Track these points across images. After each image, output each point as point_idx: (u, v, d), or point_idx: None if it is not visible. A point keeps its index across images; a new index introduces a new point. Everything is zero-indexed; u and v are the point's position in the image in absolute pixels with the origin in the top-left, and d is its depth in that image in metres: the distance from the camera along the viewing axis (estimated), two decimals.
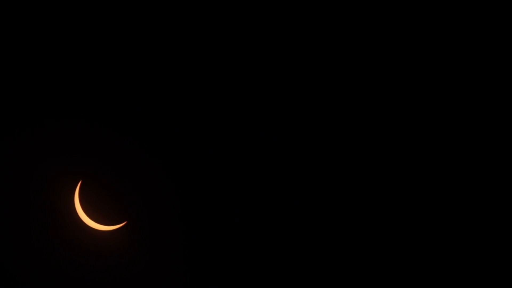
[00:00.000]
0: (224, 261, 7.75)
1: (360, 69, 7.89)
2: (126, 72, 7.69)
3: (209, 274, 7.75)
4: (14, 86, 7.59)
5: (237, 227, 7.76)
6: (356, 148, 7.87)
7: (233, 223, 7.76)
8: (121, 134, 7.67)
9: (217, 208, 7.77)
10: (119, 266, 7.63)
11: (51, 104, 7.61)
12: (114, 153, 7.68)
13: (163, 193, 7.72)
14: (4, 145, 7.52)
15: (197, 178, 7.75)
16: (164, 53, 7.73)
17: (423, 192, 7.89)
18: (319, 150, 7.86)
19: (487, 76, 7.91)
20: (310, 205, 7.84)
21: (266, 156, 7.83)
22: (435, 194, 7.88)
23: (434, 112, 7.91)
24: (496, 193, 7.84)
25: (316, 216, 7.83)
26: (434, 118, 7.91)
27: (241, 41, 7.79)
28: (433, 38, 7.91)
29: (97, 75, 7.66)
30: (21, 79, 7.60)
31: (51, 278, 7.55)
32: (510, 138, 7.87)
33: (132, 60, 7.69)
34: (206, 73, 7.78)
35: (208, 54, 7.77)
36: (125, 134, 7.67)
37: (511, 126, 7.88)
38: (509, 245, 7.79)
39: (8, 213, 7.54)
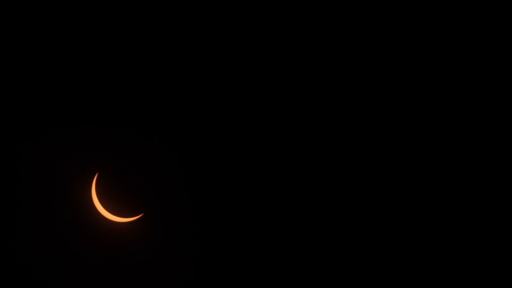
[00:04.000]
0: (234, 253, 7.75)
1: (360, 69, 7.85)
2: (141, 77, 7.73)
3: (220, 266, 7.75)
4: (40, 94, 7.66)
5: (246, 221, 7.77)
6: (356, 148, 7.84)
7: (243, 217, 7.76)
8: (138, 133, 7.73)
9: (228, 203, 7.77)
10: (134, 256, 7.67)
11: (71, 107, 7.69)
12: (130, 151, 7.72)
13: (177, 187, 7.75)
14: (30, 144, 7.62)
15: (211, 175, 7.76)
16: (174, 56, 7.76)
17: (420, 192, 7.84)
18: (321, 150, 7.84)
19: (487, 76, 7.85)
20: (312, 205, 7.83)
21: (273, 153, 7.81)
22: (434, 194, 7.83)
23: (434, 112, 7.86)
24: (496, 193, 7.80)
25: (318, 217, 7.82)
26: (434, 118, 7.86)
27: (243, 41, 7.80)
28: (433, 38, 7.86)
29: (114, 82, 7.72)
30: (46, 89, 7.67)
31: (69, 265, 7.62)
32: (510, 138, 7.85)
33: (147, 65, 7.74)
34: (214, 73, 7.79)
35: (216, 55, 7.79)
36: (142, 132, 7.73)
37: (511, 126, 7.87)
38: (509, 245, 7.77)
39: (33, 204, 7.61)
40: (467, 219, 7.81)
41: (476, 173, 7.84)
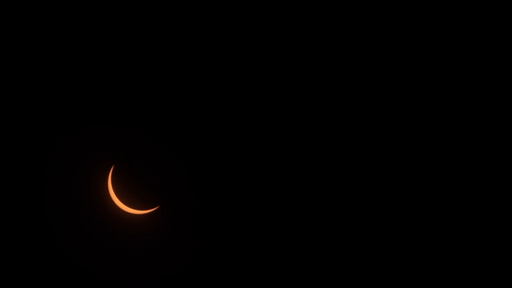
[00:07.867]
0: (245, 247, 7.80)
1: (360, 69, 7.80)
2: (157, 79, 7.83)
3: (231, 259, 7.82)
4: (64, 98, 7.87)
5: (259, 217, 7.77)
6: (356, 148, 7.80)
7: (256, 212, 7.76)
8: (154, 130, 7.82)
9: (242, 198, 7.78)
10: (148, 247, 7.78)
11: (91, 108, 7.86)
12: (145, 147, 7.81)
13: (191, 182, 7.81)
14: (53, 141, 7.82)
15: (225, 170, 7.79)
16: (189, 59, 7.83)
17: (418, 192, 7.79)
18: (321, 150, 7.82)
19: (487, 76, 7.75)
20: (314, 204, 7.83)
21: (283, 150, 7.81)
22: (433, 194, 7.76)
23: (434, 112, 7.78)
24: (496, 193, 7.72)
25: (318, 216, 7.81)
26: (434, 118, 7.77)
27: (244, 41, 7.82)
28: (433, 38, 7.77)
29: (132, 85, 7.86)
30: (69, 93, 7.87)
31: (87, 251, 7.76)
32: (510, 138, 7.74)
33: (163, 69, 7.83)
34: (225, 73, 7.83)
35: (221, 57, 7.84)
36: (158, 129, 7.82)
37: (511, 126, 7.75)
38: (509, 245, 7.69)
39: (55, 196, 7.81)
40: (467, 219, 7.76)
41: (476, 173, 7.78)
